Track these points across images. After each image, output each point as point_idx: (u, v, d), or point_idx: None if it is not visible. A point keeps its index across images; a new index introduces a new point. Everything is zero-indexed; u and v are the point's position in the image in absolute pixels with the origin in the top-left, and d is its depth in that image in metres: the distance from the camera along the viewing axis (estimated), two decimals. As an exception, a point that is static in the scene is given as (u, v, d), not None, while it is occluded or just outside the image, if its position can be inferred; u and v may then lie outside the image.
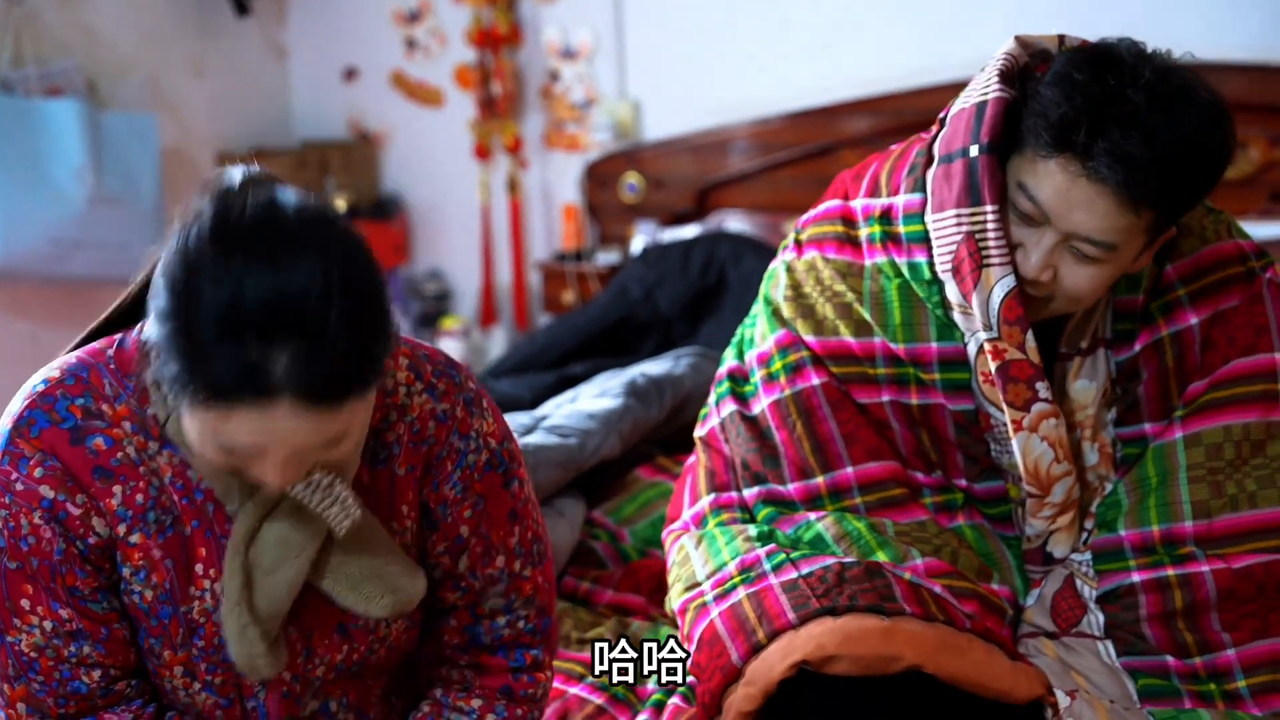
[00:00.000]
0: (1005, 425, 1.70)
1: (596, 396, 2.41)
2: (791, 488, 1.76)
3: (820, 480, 1.75)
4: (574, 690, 1.78)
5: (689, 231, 3.60)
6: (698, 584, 1.73)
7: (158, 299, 1.13)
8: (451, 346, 3.97)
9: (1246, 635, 1.64)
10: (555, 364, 3.13)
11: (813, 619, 1.58)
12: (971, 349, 1.70)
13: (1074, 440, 1.74)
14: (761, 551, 1.71)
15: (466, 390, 1.37)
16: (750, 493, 1.79)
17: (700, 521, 1.83)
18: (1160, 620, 1.67)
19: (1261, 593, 1.65)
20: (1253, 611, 1.65)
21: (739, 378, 1.86)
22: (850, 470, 1.75)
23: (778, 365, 1.80)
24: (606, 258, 3.91)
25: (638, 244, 3.74)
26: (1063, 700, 1.59)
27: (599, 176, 3.99)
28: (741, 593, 1.66)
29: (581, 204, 4.02)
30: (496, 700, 1.42)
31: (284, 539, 1.25)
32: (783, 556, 1.69)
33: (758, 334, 1.84)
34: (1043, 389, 1.66)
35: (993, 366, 1.67)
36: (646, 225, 3.88)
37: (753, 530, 1.75)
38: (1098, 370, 1.74)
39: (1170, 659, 1.66)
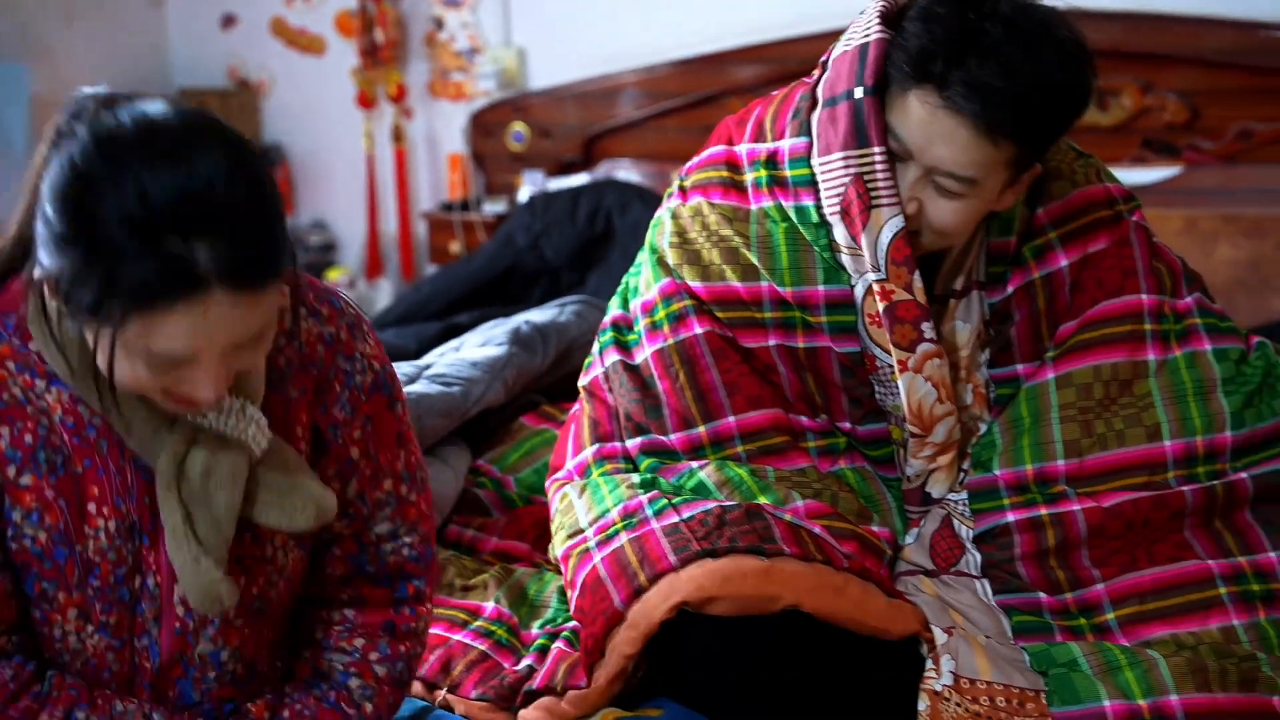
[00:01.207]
0: (890, 367, 1.72)
1: (480, 345, 2.39)
2: (674, 437, 1.78)
3: (702, 430, 1.76)
4: (457, 637, 1.77)
5: (576, 180, 3.59)
6: (580, 531, 1.74)
7: (52, 227, 1.11)
8: (337, 298, 3.91)
9: (1115, 570, 1.68)
10: (441, 314, 3.10)
11: (693, 561, 1.60)
12: (859, 291, 1.72)
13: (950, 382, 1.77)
14: (644, 497, 1.72)
15: (348, 315, 1.38)
16: (633, 443, 1.80)
17: (584, 471, 1.84)
18: (1034, 559, 1.70)
19: (1129, 529, 1.69)
20: (1120, 548, 1.69)
21: (623, 326, 1.86)
22: (732, 419, 1.76)
23: (661, 314, 1.80)
24: (493, 207, 3.88)
25: (525, 193, 3.72)
26: (940, 637, 1.62)
27: (485, 125, 3.95)
28: (624, 538, 1.67)
29: (467, 153, 3.98)
30: (379, 638, 1.42)
31: (210, 468, 1.25)
32: (665, 502, 1.70)
33: (642, 282, 1.85)
34: (928, 329, 1.69)
35: (880, 308, 1.69)
36: (534, 174, 3.85)
37: (636, 478, 1.77)
38: (971, 312, 1.77)
39: (1043, 595, 1.70)
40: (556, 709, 1.63)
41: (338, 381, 1.37)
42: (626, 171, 3.59)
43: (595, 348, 1.91)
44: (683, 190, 1.85)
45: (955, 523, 1.76)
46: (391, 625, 1.43)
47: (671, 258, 1.81)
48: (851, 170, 1.65)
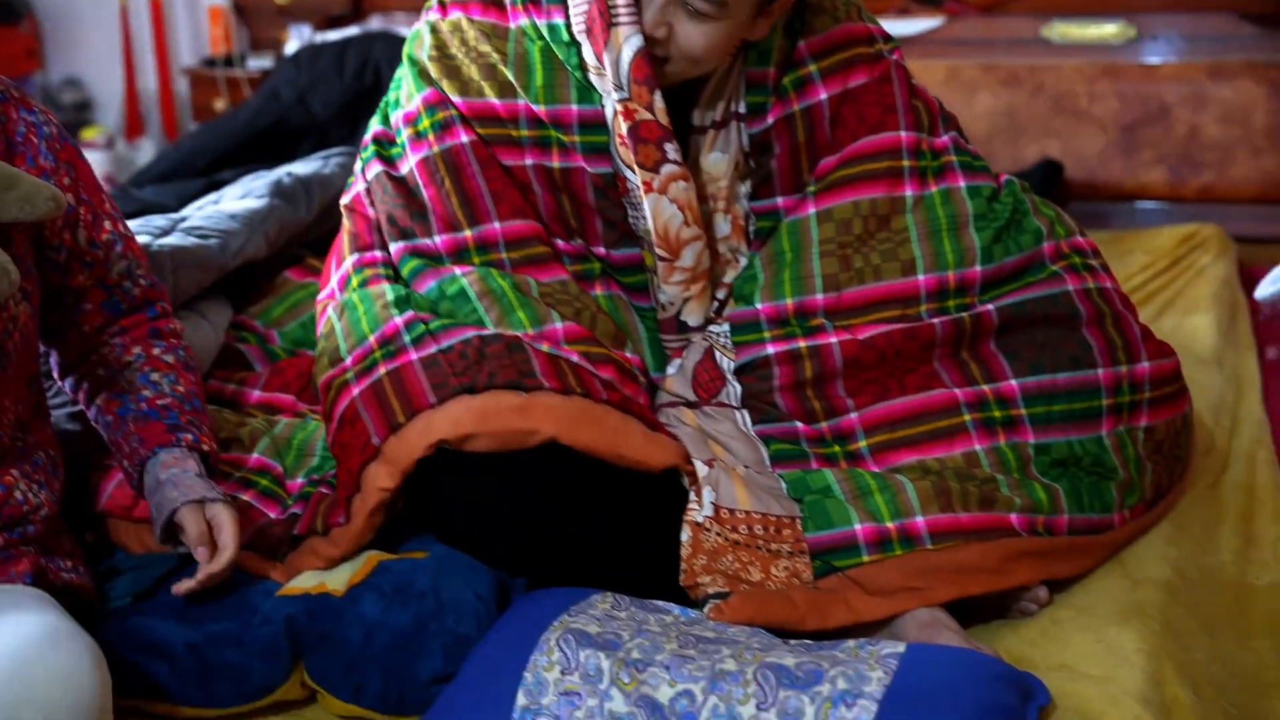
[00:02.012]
0: (639, 188, 1.73)
1: (240, 198, 2.32)
2: (439, 239, 1.76)
3: (468, 234, 1.75)
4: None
5: (345, 34, 3.49)
6: (341, 360, 1.72)
7: None
8: (95, 159, 3.74)
9: (868, 399, 1.74)
10: (204, 171, 3.00)
11: (451, 398, 1.59)
12: (609, 111, 1.72)
13: (707, 211, 1.79)
14: (400, 321, 1.70)
15: (5, 80, 1.47)
16: (396, 247, 1.78)
17: (345, 284, 1.82)
18: (791, 390, 1.75)
19: (883, 360, 1.74)
20: (874, 378, 1.75)
21: (384, 141, 1.84)
22: (497, 226, 1.75)
23: (426, 123, 1.78)
24: (259, 63, 3.76)
25: (291, 48, 3.60)
26: (701, 469, 1.66)
27: (246, -24, 3.80)
28: (381, 370, 1.66)
29: (228, 6, 3.82)
30: (151, 341, 1.61)
31: None
32: (422, 328, 1.69)
33: (404, 95, 1.82)
34: (671, 150, 1.70)
35: (624, 128, 1.70)
36: (300, 28, 3.73)
37: (390, 294, 1.74)
38: (730, 143, 1.79)
39: (800, 425, 1.75)
40: (320, 549, 1.62)
41: (32, 133, 1.45)
42: (398, 25, 3.50)
43: (357, 166, 1.88)
44: (441, 5, 1.83)
45: (717, 355, 1.79)
46: (156, 330, 1.62)
47: (433, 70, 1.79)
48: None
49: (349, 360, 1.71)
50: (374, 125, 1.86)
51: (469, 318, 1.70)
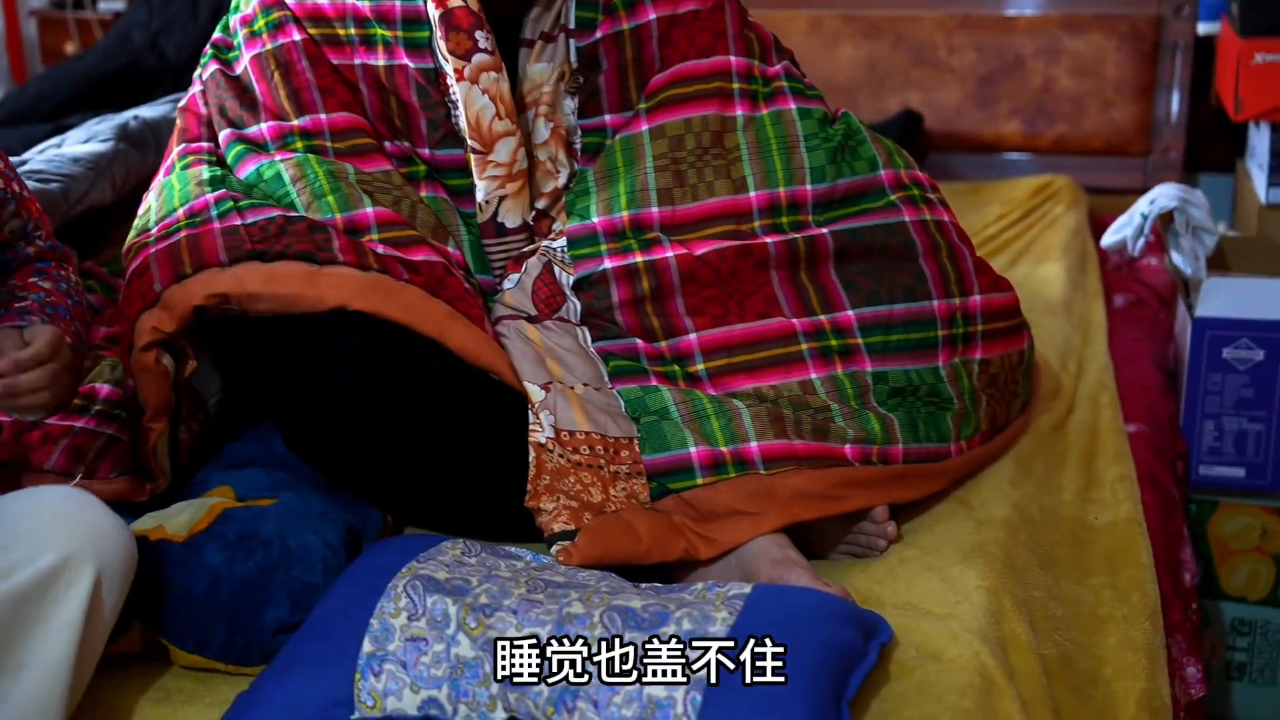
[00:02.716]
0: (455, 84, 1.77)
1: (83, 141, 2.25)
2: (265, 126, 1.79)
3: (294, 123, 1.78)
4: (80, 425, 1.69)
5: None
6: (147, 229, 1.74)
7: None
8: (-62, 103, 3.61)
9: (708, 321, 1.76)
10: (51, 115, 2.89)
11: (243, 260, 1.63)
12: (431, 6, 1.76)
13: (529, 120, 1.83)
14: (210, 197, 1.73)
15: None
16: (224, 134, 1.81)
17: (169, 171, 1.83)
18: (631, 306, 1.77)
19: (719, 278, 1.77)
20: (714, 296, 1.77)
21: (223, 46, 1.87)
22: (324, 116, 1.78)
23: (261, 23, 1.82)
24: (111, 4, 3.65)
25: (145, -11, 3.49)
26: (537, 394, 1.67)
27: (96, -86, 3.67)
28: (182, 235, 1.69)
29: (79, -55, 3.70)
30: (35, 281, 1.60)
31: None
32: (231, 204, 1.72)
33: (242, 1, 1.85)
34: (482, 39, 1.74)
35: (435, 15, 1.74)
36: (154, -31, 3.61)
37: (206, 174, 1.77)
38: (557, 54, 1.83)
39: (639, 342, 1.77)
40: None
41: None
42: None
43: (195, 73, 1.90)
44: None
45: (556, 269, 1.81)
46: (41, 270, 1.62)
47: None
48: None
49: (155, 229, 1.73)
50: (215, 35, 1.89)
51: (282, 200, 1.74)
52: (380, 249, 1.69)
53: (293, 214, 1.71)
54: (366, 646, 1.42)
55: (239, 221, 1.69)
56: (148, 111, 2.41)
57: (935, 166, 3.19)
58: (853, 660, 1.37)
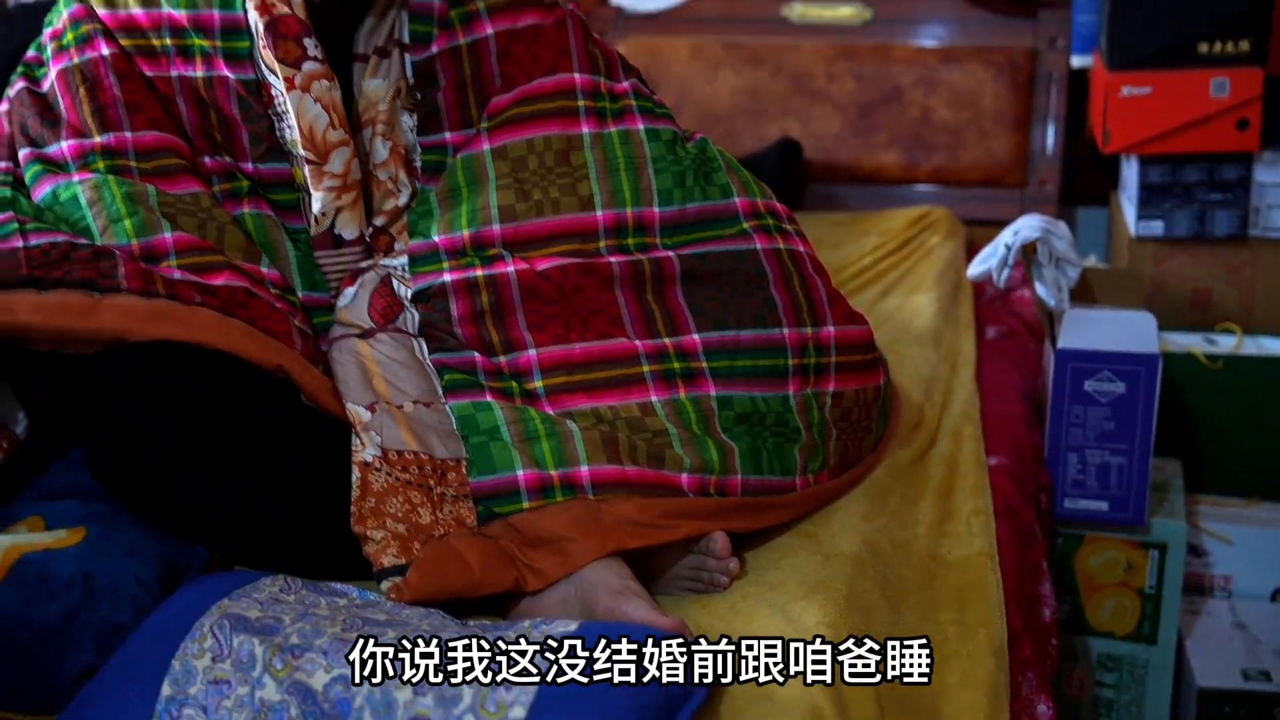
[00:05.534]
0: (283, 95, 1.71)
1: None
2: (65, 145, 1.72)
3: (96, 140, 1.71)
4: None
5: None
6: None
7: None
8: None
9: (548, 338, 1.72)
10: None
11: (16, 287, 1.57)
12: (252, 15, 1.71)
13: (366, 139, 1.78)
14: None
15: None
16: (23, 153, 1.74)
17: None
18: (470, 320, 1.73)
19: (561, 294, 1.73)
20: (555, 314, 1.73)
21: (32, 63, 1.80)
22: (129, 135, 1.72)
23: (69, 37, 1.75)
24: (-23, 22, 3.54)
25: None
26: (363, 415, 1.63)
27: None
28: None
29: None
30: None
31: None
32: (15, 226, 1.64)
33: (55, 15, 1.80)
34: (311, 46, 1.70)
35: (260, 24, 1.69)
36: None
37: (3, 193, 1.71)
38: (391, 70, 1.79)
39: (477, 356, 1.72)
40: None
41: None
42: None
43: (8, 91, 1.83)
44: None
45: (395, 283, 1.77)
46: None
47: None
48: None
49: None
50: (28, 52, 1.83)
51: (77, 225, 1.67)
52: (177, 274, 1.63)
53: (80, 240, 1.64)
54: (166, 690, 1.35)
55: (19, 244, 1.61)
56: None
57: (815, 196, 3.18)
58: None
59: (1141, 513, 2.24)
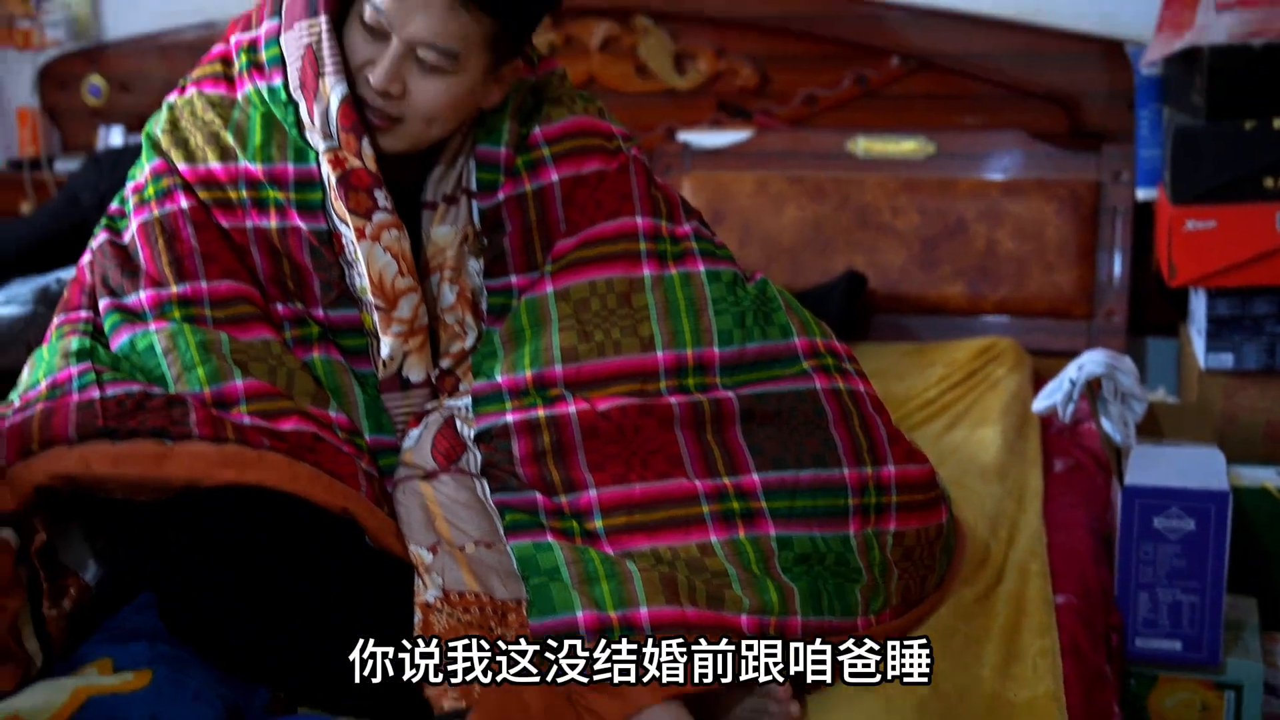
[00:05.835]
0: (353, 243, 1.76)
1: (2, 304, 2.25)
2: (144, 295, 1.77)
3: (173, 290, 1.77)
4: None
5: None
6: (12, 401, 1.73)
7: None
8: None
9: (608, 479, 1.73)
10: (-6, 275, 2.90)
11: (92, 439, 1.60)
12: (325, 168, 1.76)
13: (434, 284, 1.83)
14: (75, 369, 1.72)
15: None
16: (103, 304, 1.80)
17: (46, 342, 1.82)
18: (531, 460, 1.74)
19: (622, 434, 1.75)
20: (616, 454, 1.74)
21: (116, 216, 1.86)
22: (204, 285, 1.77)
23: (150, 191, 1.82)
24: (67, 165, 3.68)
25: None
26: (425, 557, 1.65)
27: (57, 77, 3.74)
28: (38, 408, 1.66)
29: (38, 107, 3.75)
30: None
31: None
32: (93, 377, 1.70)
33: (138, 170, 1.86)
34: (381, 198, 1.74)
35: (334, 177, 1.74)
36: (114, 130, 3.67)
37: (75, 345, 1.76)
38: (459, 217, 1.84)
39: (539, 496, 1.74)
40: None
41: None
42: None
43: (91, 243, 1.90)
44: (182, 86, 1.89)
45: (459, 423, 1.79)
46: None
47: (163, 142, 1.83)
48: (305, 41, 1.73)
49: (17, 401, 1.72)
50: (112, 205, 1.89)
51: (153, 373, 1.72)
52: (247, 420, 1.67)
53: (154, 389, 1.68)
54: (226, 837, 1.35)
55: (96, 395, 1.66)
56: (70, 274, 2.40)
57: (881, 326, 3.19)
58: None
59: (1216, 652, 2.19)
